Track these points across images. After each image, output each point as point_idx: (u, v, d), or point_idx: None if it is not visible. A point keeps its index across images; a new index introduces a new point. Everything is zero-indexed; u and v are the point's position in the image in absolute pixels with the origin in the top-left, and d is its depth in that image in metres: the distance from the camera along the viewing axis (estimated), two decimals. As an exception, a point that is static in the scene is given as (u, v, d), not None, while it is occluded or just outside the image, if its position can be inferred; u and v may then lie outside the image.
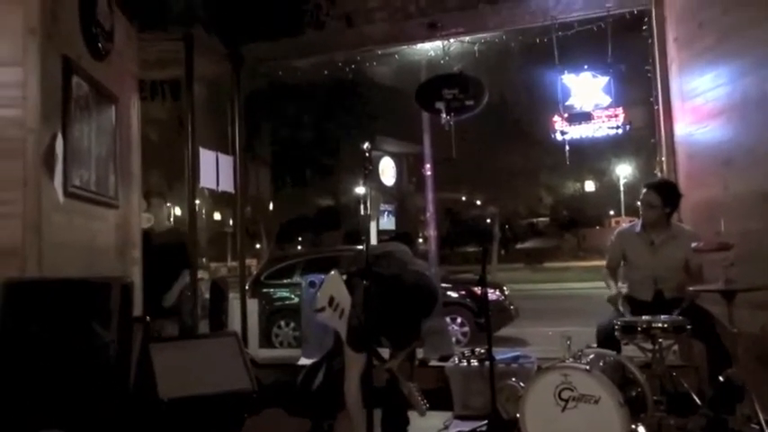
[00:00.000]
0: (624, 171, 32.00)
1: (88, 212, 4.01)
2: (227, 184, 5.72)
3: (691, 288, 3.47)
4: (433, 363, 4.99)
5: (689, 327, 3.28)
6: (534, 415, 3.11)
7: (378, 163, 9.49)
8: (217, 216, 28.25)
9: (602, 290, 4.13)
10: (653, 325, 3.27)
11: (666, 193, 3.87)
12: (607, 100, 5.22)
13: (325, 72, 6.08)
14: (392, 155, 10.10)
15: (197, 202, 5.54)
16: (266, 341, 8.27)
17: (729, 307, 3.18)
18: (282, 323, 8.80)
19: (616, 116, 5.23)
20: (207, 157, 5.44)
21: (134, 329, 3.61)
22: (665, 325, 3.27)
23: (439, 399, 4.30)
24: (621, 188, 32.39)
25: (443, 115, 5.20)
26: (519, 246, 39.03)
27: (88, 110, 3.97)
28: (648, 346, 3.34)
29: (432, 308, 3.29)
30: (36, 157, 3.35)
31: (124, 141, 4.58)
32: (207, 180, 5.46)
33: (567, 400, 3.03)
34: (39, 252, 3.34)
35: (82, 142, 3.89)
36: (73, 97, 3.74)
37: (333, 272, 3.68)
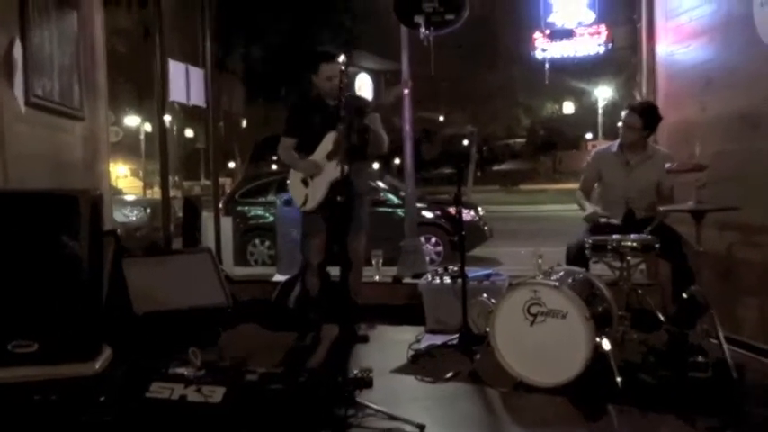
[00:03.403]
0: (604, 93, 31.85)
1: (53, 124, 3.91)
2: (198, 98, 5.59)
3: (661, 208, 3.54)
4: (407, 280, 5.10)
5: (657, 246, 3.37)
6: (504, 329, 3.21)
7: (354, 79, 9.27)
8: (189, 133, 27.75)
9: (575, 212, 4.19)
10: (623, 243, 3.35)
11: (648, 116, 3.87)
12: (591, 16, 5.13)
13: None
14: (369, 71, 9.85)
15: (167, 117, 5.43)
16: (241, 259, 8.32)
17: (698, 227, 3.25)
18: (257, 241, 8.83)
19: (599, 33, 5.16)
20: (176, 69, 5.29)
21: (105, 244, 3.61)
22: (635, 244, 3.35)
23: (412, 314, 4.43)
24: (600, 110, 32.37)
25: (422, 30, 5.06)
26: (495, 168, 39.22)
27: (48, 14, 3.79)
28: (617, 264, 3.43)
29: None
30: (-7, 64, 3.22)
31: (88, 50, 4.41)
32: (177, 94, 5.33)
33: (535, 315, 3.13)
34: (2, 163, 3.27)
35: (43, 49, 3.74)
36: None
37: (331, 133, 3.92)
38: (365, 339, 4.13)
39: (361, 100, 4.14)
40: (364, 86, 9.65)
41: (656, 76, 4.61)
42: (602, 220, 3.84)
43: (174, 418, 2.68)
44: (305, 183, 4.05)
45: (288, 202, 5.63)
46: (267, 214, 8.83)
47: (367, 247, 4.29)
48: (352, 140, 3.79)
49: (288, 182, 4.24)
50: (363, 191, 4.16)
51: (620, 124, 3.97)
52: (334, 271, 4.20)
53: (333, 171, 3.87)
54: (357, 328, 4.18)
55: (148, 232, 10.00)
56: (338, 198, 3.40)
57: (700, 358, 3.09)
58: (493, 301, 3.80)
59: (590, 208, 3.97)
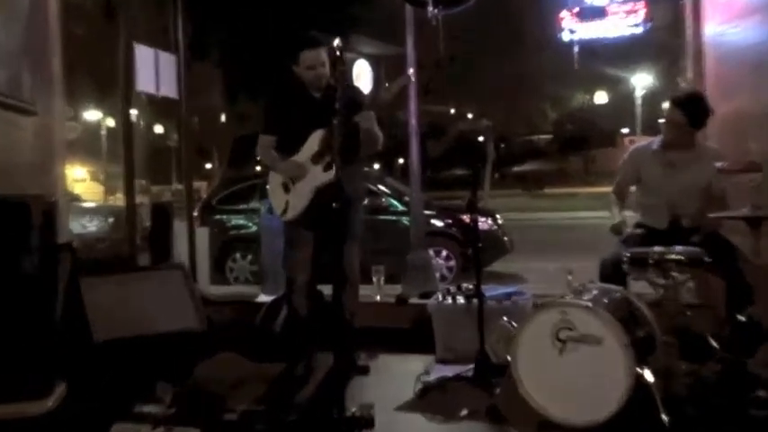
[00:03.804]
0: (642, 80, 31.89)
1: (-2, 119, 3.91)
2: (168, 89, 5.61)
3: (711, 215, 3.53)
4: (414, 300, 5.08)
5: (707, 259, 3.35)
6: (528, 358, 3.19)
7: (351, 66, 9.30)
8: (158, 129, 27.83)
9: (610, 220, 4.18)
10: (666, 257, 3.32)
11: (694, 110, 3.86)
12: (627, -9, 5.13)
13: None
14: (368, 57, 9.88)
15: (133, 111, 5.45)
16: (219, 277, 8.32)
17: (755, 236, 3.24)
18: (238, 255, 8.84)
19: (635, 12, 5.17)
20: (144, 54, 5.30)
21: (60, 259, 3.60)
22: (681, 257, 3.33)
23: (420, 341, 4.41)
24: (638, 101, 32.41)
25: (430, 8, 5.08)
26: (516, 168, 39.32)
27: (-9, -9, 3.80)
28: (660, 281, 3.41)
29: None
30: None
31: (40, 33, 4.42)
32: (144, 83, 5.35)
33: (565, 342, 3.11)
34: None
35: (-15, 32, 3.75)
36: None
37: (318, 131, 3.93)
38: (365, 371, 4.11)
39: (356, 92, 4.14)
40: (363, 75, 9.68)
41: (702, 60, 4.61)
42: (629, 230, 3.83)
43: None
44: (285, 188, 4.06)
45: (273, 210, 5.63)
46: (250, 224, 8.84)
47: (365, 262, 4.28)
48: (343, 139, 3.78)
49: (267, 186, 4.25)
50: (357, 196, 4.16)
51: (661, 120, 3.96)
52: (327, 290, 4.20)
53: (319, 176, 3.88)
54: (356, 356, 4.17)
55: (110, 245, 10.00)
56: (334, 204, 3.39)
57: (760, 393, 3.07)
58: (515, 324, 3.78)
59: (618, 216, 3.96)
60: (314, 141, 3.94)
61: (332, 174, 3.35)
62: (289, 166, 4.01)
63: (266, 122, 4.18)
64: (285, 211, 4.06)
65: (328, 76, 3.94)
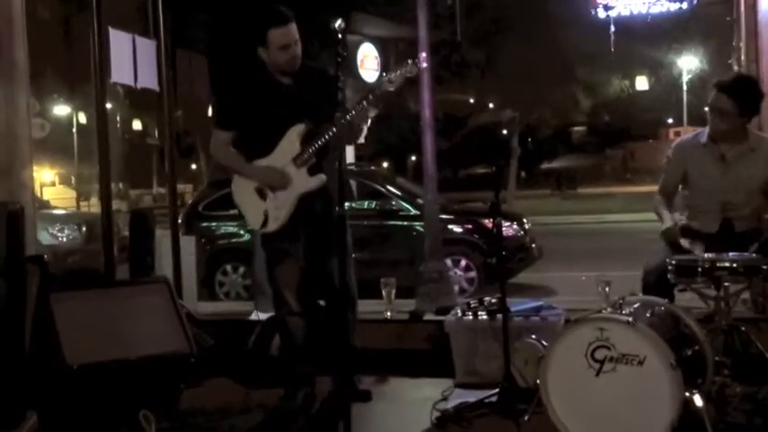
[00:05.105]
0: (689, 64, 31.88)
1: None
2: (148, 80, 5.63)
3: (770, 216, 3.53)
4: (429, 317, 5.09)
5: (765, 267, 3.35)
6: (560, 381, 3.20)
7: (355, 51, 9.32)
8: (137, 125, 27.98)
9: (654, 224, 4.18)
10: (718, 264, 3.33)
11: (744, 96, 3.85)
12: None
13: None
14: (375, 40, 9.89)
15: (108, 105, 5.47)
16: (208, 292, 8.34)
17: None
18: (228, 268, 8.86)
19: (680, -15, 5.16)
20: (120, 41, 5.33)
21: (28, 273, 3.63)
22: (735, 265, 3.33)
23: (436, 363, 4.42)
24: (685, 87, 32.36)
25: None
26: (546, 165, 39.29)
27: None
28: (711, 292, 3.42)
29: None
30: None
31: (2, 18, 4.46)
32: (120, 73, 5.37)
33: (602, 362, 3.11)
34: None
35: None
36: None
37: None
38: (367, 397, 4.11)
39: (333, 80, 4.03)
40: (369, 60, 9.70)
41: (758, 39, 4.61)
42: (685, 243, 3.83)
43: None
44: (261, 194, 3.93)
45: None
46: (241, 232, 8.84)
47: (364, 274, 4.27)
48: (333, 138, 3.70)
49: (232, 192, 4.08)
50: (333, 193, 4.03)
51: (707, 109, 3.96)
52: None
53: (305, 181, 3.82)
54: (356, 380, 4.16)
55: (84, 257, 10.05)
56: (336, 210, 3.38)
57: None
58: (544, 343, 3.79)
59: (669, 219, 3.95)
60: (293, 139, 3.84)
61: (320, 179, 3.31)
62: (267, 173, 3.88)
63: (221, 115, 4.09)
64: (265, 222, 3.94)
65: (300, 57, 3.85)
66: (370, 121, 4.01)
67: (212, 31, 19.69)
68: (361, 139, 4.05)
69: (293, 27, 3.81)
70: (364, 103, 3.77)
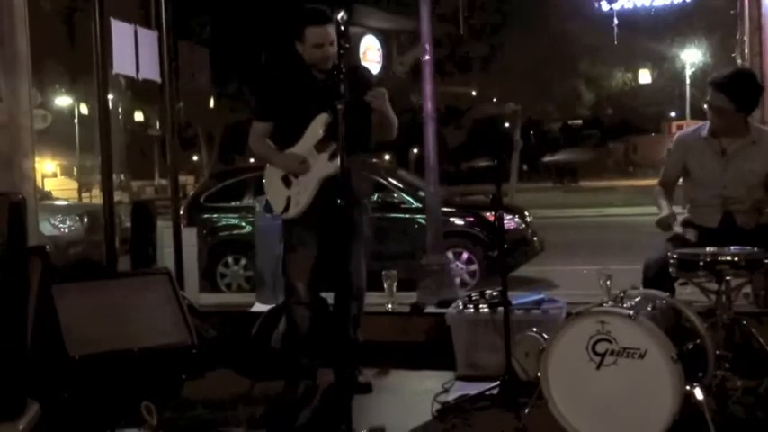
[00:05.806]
0: (692, 57, 31.77)
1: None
2: (150, 71, 5.62)
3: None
4: (430, 309, 5.10)
5: (767, 261, 3.35)
6: (560, 374, 3.20)
7: (357, 43, 9.31)
8: (138, 117, 27.96)
9: (655, 216, 4.18)
10: (719, 258, 3.33)
11: (740, 92, 3.84)
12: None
13: None
14: (377, 32, 9.88)
15: (110, 96, 5.47)
16: (210, 284, 8.35)
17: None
18: (230, 260, 8.87)
19: (684, -23, 5.15)
20: (122, 32, 5.32)
21: (29, 264, 3.63)
22: (736, 258, 3.33)
23: (437, 355, 4.42)
24: (688, 80, 32.28)
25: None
26: (548, 158, 39.26)
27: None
28: (713, 286, 3.41)
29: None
30: None
31: (3, 8, 4.46)
32: (122, 65, 5.37)
33: (603, 355, 3.11)
34: None
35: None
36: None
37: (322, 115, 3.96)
38: (367, 389, 4.12)
39: (362, 71, 4.15)
40: (371, 52, 9.69)
41: (762, 33, 4.59)
42: (677, 229, 3.83)
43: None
44: (286, 182, 4.07)
45: (270, 208, 5.65)
46: (243, 223, 8.86)
47: (372, 266, 4.29)
48: (351, 125, 3.80)
49: (264, 181, 4.25)
50: (363, 194, 4.18)
51: (705, 106, 3.95)
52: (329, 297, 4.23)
53: (324, 165, 3.90)
54: (357, 373, 4.17)
55: (86, 249, 10.07)
56: (339, 201, 3.40)
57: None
58: (545, 336, 3.79)
59: (666, 209, 3.95)
60: (317, 126, 3.96)
61: (338, 164, 3.35)
62: (288, 160, 4.02)
63: (260, 107, 4.18)
64: (287, 208, 4.06)
65: (336, 56, 3.96)
66: (395, 118, 4.03)
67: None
68: (394, 135, 4.08)
69: (331, 28, 3.87)
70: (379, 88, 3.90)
